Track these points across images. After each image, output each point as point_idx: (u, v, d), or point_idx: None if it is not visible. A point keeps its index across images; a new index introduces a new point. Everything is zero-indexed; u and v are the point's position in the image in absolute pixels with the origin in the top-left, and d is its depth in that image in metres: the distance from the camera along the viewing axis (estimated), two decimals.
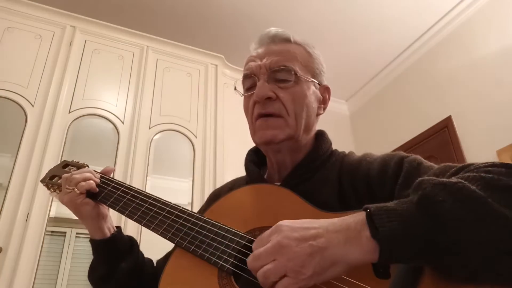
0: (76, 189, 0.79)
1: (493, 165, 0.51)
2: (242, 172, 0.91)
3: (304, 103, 0.76)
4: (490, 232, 0.42)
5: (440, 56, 3.15)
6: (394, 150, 3.43)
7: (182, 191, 2.38)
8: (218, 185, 2.35)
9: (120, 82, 2.43)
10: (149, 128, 2.37)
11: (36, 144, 2.02)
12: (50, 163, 1.99)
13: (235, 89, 0.86)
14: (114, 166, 2.17)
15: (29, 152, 1.99)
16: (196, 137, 2.48)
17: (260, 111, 0.75)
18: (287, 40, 0.80)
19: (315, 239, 0.47)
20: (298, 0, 2.90)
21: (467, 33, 2.94)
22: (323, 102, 0.84)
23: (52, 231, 2.08)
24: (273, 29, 0.82)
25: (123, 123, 2.31)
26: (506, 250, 0.42)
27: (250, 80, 0.79)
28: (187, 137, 2.46)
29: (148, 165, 2.25)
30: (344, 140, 3.92)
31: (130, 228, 1.86)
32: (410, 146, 3.22)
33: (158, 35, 2.69)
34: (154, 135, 2.37)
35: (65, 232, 2.22)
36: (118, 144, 2.24)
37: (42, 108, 2.13)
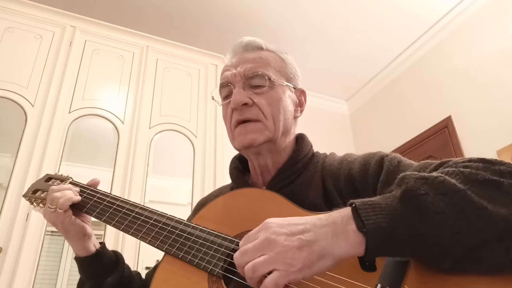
0: (58, 209, 0.78)
1: (470, 160, 0.53)
2: None
3: (280, 106, 0.78)
4: (470, 222, 0.44)
5: (440, 56, 3.15)
6: (394, 150, 3.41)
7: (182, 191, 2.38)
8: (218, 185, 2.35)
9: (120, 82, 2.43)
10: (149, 128, 2.37)
11: (36, 144, 2.02)
12: (50, 163, 2.00)
13: (213, 98, 0.88)
14: (114, 166, 2.17)
15: (29, 152, 1.99)
16: (196, 137, 2.48)
17: (238, 118, 0.77)
18: (259, 48, 0.83)
19: (303, 233, 0.48)
20: (297, 0, 2.90)
21: (467, 33, 2.94)
22: (300, 105, 0.86)
23: (52, 231, 2.07)
24: (245, 38, 0.84)
25: (123, 123, 2.31)
26: (486, 240, 0.44)
27: (226, 89, 0.81)
28: (187, 137, 2.46)
29: (148, 165, 2.25)
30: (344, 140, 3.92)
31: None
32: (410, 146, 3.22)
33: (158, 35, 2.69)
34: (154, 135, 2.37)
35: None
36: (118, 144, 2.24)
37: (42, 108, 2.13)
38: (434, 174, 0.50)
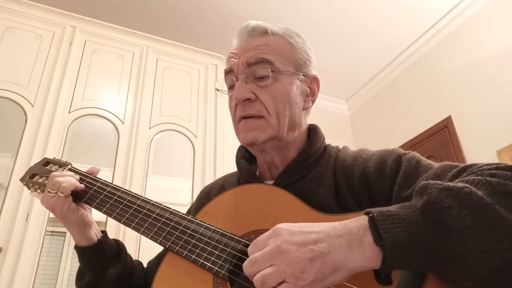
0: (59, 193, 0.75)
1: (497, 167, 0.50)
2: None
3: (285, 100, 0.72)
4: (497, 240, 0.41)
5: (440, 56, 3.15)
6: None
7: (182, 191, 2.38)
8: None
9: (120, 82, 2.43)
10: (149, 128, 2.37)
11: (36, 144, 2.02)
12: None
13: (217, 90, 0.82)
14: (114, 166, 2.17)
15: (29, 152, 1.99)
16: (196, 137, 2.48)
17: (241, 114, 0.73)
18: (265, 33, 0.76)
19: (315, 244, 0.45)
20: (298, 1, 2.90)
21: (467, 33, 2.94)
22: (311, 94, 0.79)
23: (52, 231, 2.07)
24: (251, 23, 0.77)
25: (123, 123, 2.31)
26: None
27: (230, 79, 0.76)
28: (187, 137, 2.46)
29: (148, 165, 2.25)
30: (344, 140, 3.92)
31: (130, 231, 1.85)
32: (410, 146, 3.23)
33: (158, 35, 2.69)
34: (154, 135, 2.37)
35: (65, 232, 2.22)
36: (118, 144, 2.24)
37: (42, 108, 2.12)
38: (460, 184, 0.46)
